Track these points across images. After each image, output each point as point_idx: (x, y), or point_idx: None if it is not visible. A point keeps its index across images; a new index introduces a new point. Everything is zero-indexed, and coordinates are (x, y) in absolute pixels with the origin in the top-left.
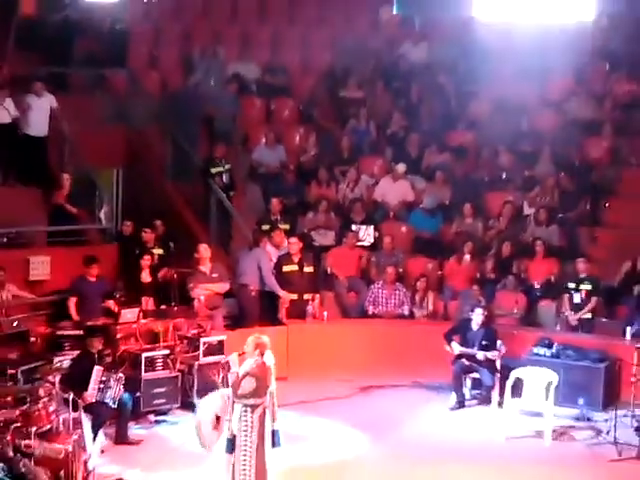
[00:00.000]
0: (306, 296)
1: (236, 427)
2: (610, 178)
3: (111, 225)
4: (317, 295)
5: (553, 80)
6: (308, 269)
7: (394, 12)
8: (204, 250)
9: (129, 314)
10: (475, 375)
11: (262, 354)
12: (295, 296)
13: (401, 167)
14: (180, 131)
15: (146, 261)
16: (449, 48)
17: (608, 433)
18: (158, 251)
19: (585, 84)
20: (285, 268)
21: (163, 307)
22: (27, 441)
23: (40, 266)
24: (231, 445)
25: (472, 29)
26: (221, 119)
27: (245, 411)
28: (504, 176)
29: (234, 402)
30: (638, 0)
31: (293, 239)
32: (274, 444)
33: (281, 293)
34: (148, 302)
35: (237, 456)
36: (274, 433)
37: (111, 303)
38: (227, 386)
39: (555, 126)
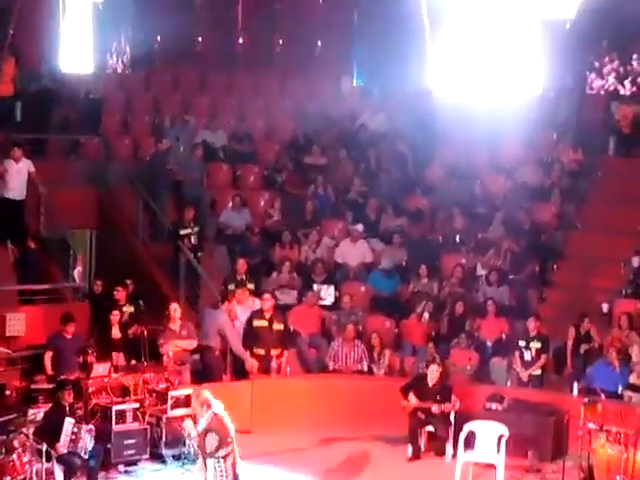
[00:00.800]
0: (273, 352)
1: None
2: (558, 241)
3: (84, 284)
4: (285, 352)
5: (503, 148)
6: (278, 326)
7: (354, 83)
8: (174, 310)
9: (100, 369)
10: (430, 428)
11: (210, 407)
12: (262, 351)
13: (359, 227)
14: (151, 194)
15: (115, 316)
16: (406, 118)
17: None
18: (129, 309)
19: (534, 152)
20: (255, 323)
21: (133, 362)
22: None
23: (16, 323)
24: None
25: (428, 100)
26: (189, 183)
27: (218, 462)
28: (458, 239)
29: (205, 460)
30: (583, 75)
31: (267, 295)
32: None
33: (248, 361)
34: (118, 357)
35: None
36: (236, 477)
37: (89, 358)
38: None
39: (506, 191)
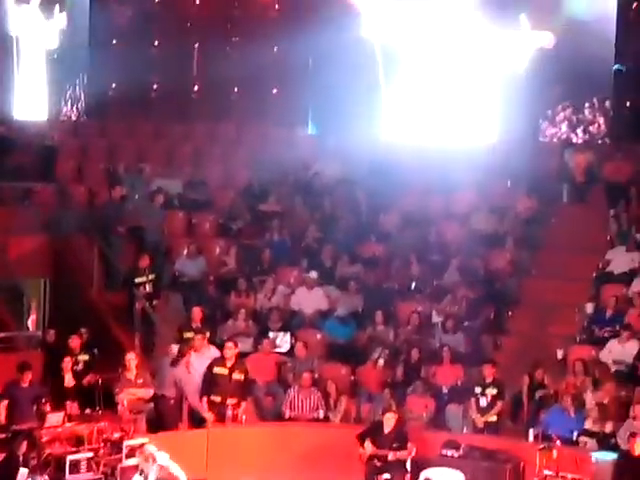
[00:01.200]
0: (229, 401)
1: None
2: (512, 288)
3: (38, 332)
4: (243, 403)
5: (457, 195)
6: (237, 376)
7: (309, 132)
8: (131, 359)
9: (54, 418)
10: (387, 476)
11: (155, 460)
12: (219, 399)
13: (313, 274)
14: (106, 242)
15: (67, 364)
16: (361, 165)
17: None
18: (83, 357)
19: (488, 199)
20: (215, 369)
21: (88, 411)
22: None
23: None
24: None
25: (382, 147)
26: (150, 230)
27: None
28: (414, 285)
29: None
30: (537, 125)
31: (230, 344)
32: None
33: (206, 415)
34: (72, 406)
35: None
36: None
37: (43, 407)
38: None
39: (461, 238)
